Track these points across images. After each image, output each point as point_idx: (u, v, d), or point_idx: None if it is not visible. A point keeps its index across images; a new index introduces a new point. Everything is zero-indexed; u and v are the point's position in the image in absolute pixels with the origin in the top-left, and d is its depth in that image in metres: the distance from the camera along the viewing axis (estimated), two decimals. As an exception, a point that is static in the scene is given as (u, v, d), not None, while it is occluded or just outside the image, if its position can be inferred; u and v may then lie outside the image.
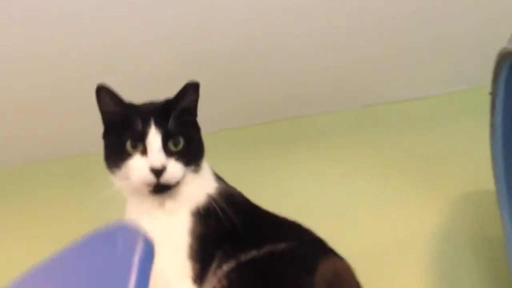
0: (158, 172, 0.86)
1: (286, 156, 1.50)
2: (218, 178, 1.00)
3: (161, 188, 0.88)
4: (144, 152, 0.88)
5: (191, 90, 0.93)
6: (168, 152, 0.88)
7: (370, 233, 1.28)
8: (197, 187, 0.93)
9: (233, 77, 1.42)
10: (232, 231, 0.89)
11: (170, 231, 0.89)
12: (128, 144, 0.88)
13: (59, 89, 1.39)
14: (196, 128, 0.97)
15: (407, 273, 1.20)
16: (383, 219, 1.31)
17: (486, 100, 1.40)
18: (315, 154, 1.49)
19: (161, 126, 0.89)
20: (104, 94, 0.92)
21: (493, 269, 1.16)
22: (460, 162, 1.35)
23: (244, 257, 0.86)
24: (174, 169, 0.88)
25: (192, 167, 0.92)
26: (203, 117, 1.43)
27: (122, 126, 0.90)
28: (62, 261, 0.64)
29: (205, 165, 0.97)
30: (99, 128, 0.96)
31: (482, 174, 1.11)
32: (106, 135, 0.95)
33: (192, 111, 0.95)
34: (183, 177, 0.90)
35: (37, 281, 0.64)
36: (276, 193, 1.39)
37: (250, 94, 1.49)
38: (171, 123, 0.89)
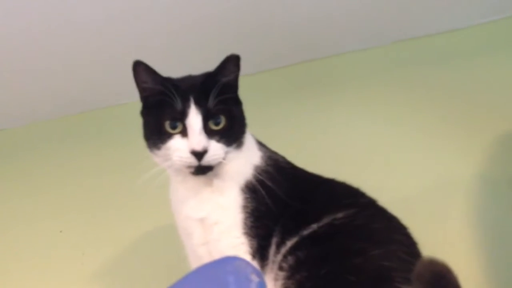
0: (199, 154, 0.83)
1: (313, 99, 1.46)
2: (261, 145, 0.97)
3: (203, 169, 0.85)
4: (184, 133, 0.85)
5: (231, 63, 0.88)
6: (209, 132, 0.85)
7: (403, 180, 1.26)
8: (242, 162, 0.90)
9: (254, 21, 1.36)
10: (285, 203, 0.87)
11: (222, 210, 0.88)
12: (167, 125, 0.85)
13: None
14: (238, 103, 0.92)
15: (445, 217, 1.19)
16: (415, 164, 1.28)
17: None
18: (343, 97, 1.44)
19: (201, 105, 0.85)
20: (141, 70, 0.88)
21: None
22: (498, 100, 1.29)
23: (306, 232, 0.85)
24: (216, 150, 0.85)
25: (235, 145, 0.88)
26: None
27: (160, 104, 0.86)
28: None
29: (247, 135, 0.93)
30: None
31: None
32: (145, 113, 0.91)
33: (233, 86, 0.90)
34: (226, 156, 0.86)
35: None
36: (304, 139, 1.38)
37: (273, 37, 1.43)
38: (211, 101, 0.85)
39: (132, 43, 1.37)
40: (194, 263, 0.91)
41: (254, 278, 0.55)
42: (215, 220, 0.87)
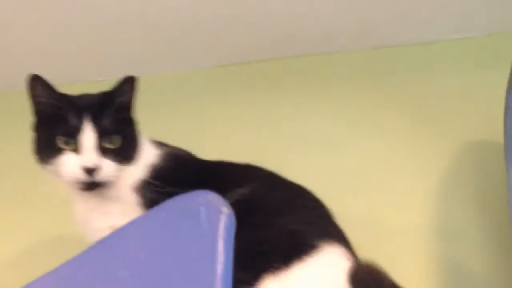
0: (90, 171, 0.84)
1: (284, 96, 1.47)
2: (160, 144, 0.98)
3: (93, 185, 0.87)
4: (77, 149, 0.85)
5: (128, 84, 0.90)
6: (102, 150, 0.86)
7: (369, 183, 1.27)
8: (134, 168, 0.91)
9: (233, 13, 1.36)
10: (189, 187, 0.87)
11: (124, 214, 0.88)
12: (60, 140, 0.85)
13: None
14: (133, 124, 0.93)
15: (408, 221, 1.20)
16: (382, 168, 1.29)
17: (500, 49, 1.37)
18: (315, 95, 1.45)
19: (96, 123, 0.86)
20: (36, 84, 0.88)
21: (496, 222, 1.15)
22: (468, 111, 1.32)
23: None
24: (108, 167, 0.86)
25: (125, 164, 0.89)
26: (200, 52, 1.47)
27: (55, 119, 0.87)
28: (140, 228, 0.64)
29: (142, 141, 0.95)
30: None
31: (491, 125, 1.09)
32: (37, 127, 0.91)
33: (128, 106, 0.92)
34: (115, 174, 0.88)
35: (121, 245, 0.63)
36: (267, 134, 1.39)
37: (250, 30, 1.43)
38: (106, 120, 0.87)
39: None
40: None
41: (225, 210, 0.56)
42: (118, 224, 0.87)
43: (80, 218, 0.93)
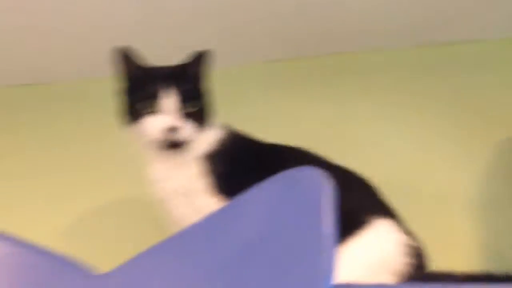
0: (172, 131, 0.95)
1: (330, 91, 1.52)
2: (224, 127, 1.07)
3: (174, 145, 0.98)
4: (159, 112, 0.96)
5: (202, 57, 1.01)
6: (181, 113, 0.97)
7: (408, 177, 1.30)
8: (206, 138, 1.01)
9: (283, 8, 1.40)
10: (248, 167, 0.98)
11: (189, 178, 0.99)
12: (145, 104, 0.96)
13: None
14: (206, 92, 1.03)
15: (447, 215, 1.23)
16: (422, 163, 1.33)
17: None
18: (357, 92, 1.50)
19: (176, 89, 0.96)
20: (124, 55, 0.99)
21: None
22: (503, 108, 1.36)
23: None
24: (186, 128, 0.97)
25: (202, 126, 1.00)
26: (247, 47, 1.50)
27: (140, 87, 0.98)
28: (250, 200, 0.67)
29: (213, 119, 1.05)
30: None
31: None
32: (125, 94, 1.01)
33: (203, 76, 1.03)
34: (193, 135, 0.98)
35: (232, 213, 0.67)
36: (313, 128, 1.44)
37: (299, 26, 1.48)
38: (185, 87, 0.97)
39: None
40: (175, 228, 0.97)
41: (327, 181, 0.59)
42: (186, 188, 0.99)
43: (155, 177, 1.02)
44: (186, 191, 0.99)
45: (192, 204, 0.98)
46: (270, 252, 0.57)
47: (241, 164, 0.99)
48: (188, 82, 0.98)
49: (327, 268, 0.52)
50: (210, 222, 0.67)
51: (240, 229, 0.63)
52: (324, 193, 0.58)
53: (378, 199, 0.98)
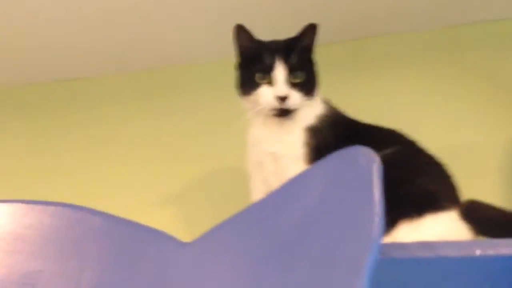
0: (282, 99, 1.04)
1: (372, 74, 1.58)
2: (325, 101, 1.16)
3: (284, 112, 1.07)
4: (271, 83, 1.06)
5: (310, 30, 1.09)
6: (290, 83, 1.05)
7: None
8: (310, 110, 1.10)
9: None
10: (343, 143, 1.03)
11: (289, 145, 1.08)
12: (258, 76, 1.06)
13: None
14: (313, 64, 1.12)
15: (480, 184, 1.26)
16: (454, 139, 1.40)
17: None
18: (395, 73, 1.56)
19: (285, 62, 1.06)
20: (241, 32, 1.10)
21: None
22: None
23: None
24: (295, 97, 1.05)
25: (309, 96, 1.08)
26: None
27: (253, 60, 1.08)
28: (307, 177, 0.76)
29: (316, 92, 1.14)
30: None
31: None
32: (240, 66, 1.13)
33: (310, 49, 1.11)
34: (301, 103, 1.07)
35: (290, 191, 0.76)
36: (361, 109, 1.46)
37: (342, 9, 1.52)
38: (293, 59, 1.06)
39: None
40: (260, 194, 1.08)
41: (377, 159, 0.68)
42: (284, 153, 1.08)
43: (255, 139, 1.12)
44: (281, 156, 1.08)
45: (282, 170, 1.06)
46: (326, 222, 0.65)
47: (338, 141, 1.04)
48: (298, 54, 1.07)
49: (376, 232, 0.60)
50: (277, 194, 0.76)
51: (301, 201, 0.71)
52: (375, 169, 0.66)
53: (456, 187, 1.04)
